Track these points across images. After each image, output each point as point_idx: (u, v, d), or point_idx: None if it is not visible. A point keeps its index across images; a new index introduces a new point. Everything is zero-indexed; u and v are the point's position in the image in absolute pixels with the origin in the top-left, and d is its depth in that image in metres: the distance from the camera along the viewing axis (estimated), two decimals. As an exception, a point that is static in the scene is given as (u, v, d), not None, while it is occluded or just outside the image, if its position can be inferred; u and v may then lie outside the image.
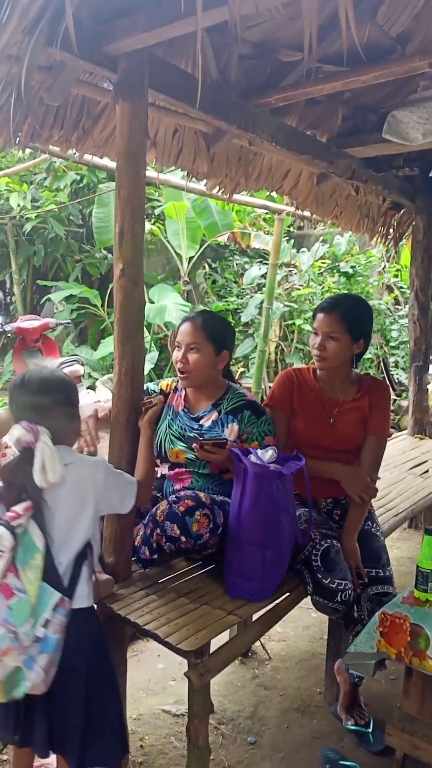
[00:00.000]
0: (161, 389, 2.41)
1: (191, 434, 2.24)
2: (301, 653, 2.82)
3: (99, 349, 7.22)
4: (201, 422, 2.27)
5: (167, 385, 2.43)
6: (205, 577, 2.12)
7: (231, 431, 2.22)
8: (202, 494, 2.06)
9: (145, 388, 2.35)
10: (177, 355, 2.25)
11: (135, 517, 2.07)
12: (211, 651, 1.83)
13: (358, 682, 2.31)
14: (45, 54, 1.64)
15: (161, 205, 7.35)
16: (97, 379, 6.77)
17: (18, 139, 2.20)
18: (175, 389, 2.39)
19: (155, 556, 2.08)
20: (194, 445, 2.14)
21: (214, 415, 2.27)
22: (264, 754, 2.19)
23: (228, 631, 2.01)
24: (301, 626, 3.03)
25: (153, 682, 2.56)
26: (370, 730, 2.25)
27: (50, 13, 1.49)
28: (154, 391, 2.40)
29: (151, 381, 2.26)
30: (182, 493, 2.09)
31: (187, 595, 1.98)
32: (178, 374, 2.27)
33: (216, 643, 1.85)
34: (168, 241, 7.55)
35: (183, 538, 1.98)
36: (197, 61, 1.66)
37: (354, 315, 2.31)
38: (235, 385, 2.37)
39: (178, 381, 2.38)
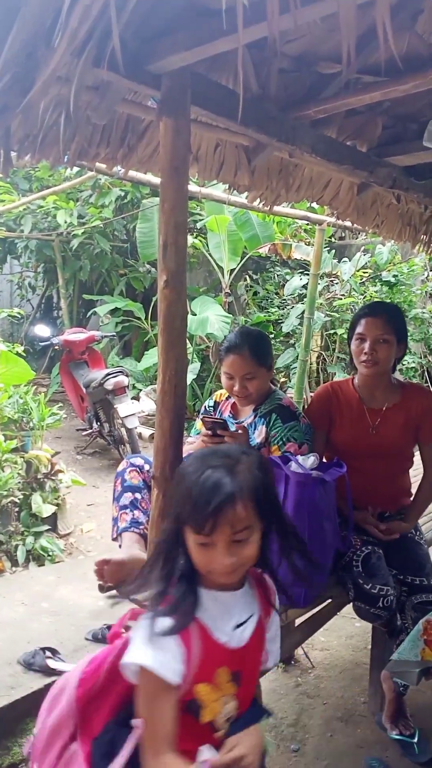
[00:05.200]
0: (215, 401, 2.53)
1: None
2: (344, 662, 2.81)
3: (143, 361, 7.33)
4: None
5: (220, 395, 2.55)
6: (248, 582, 2.13)
7: (260, 434, 2.28)
8: None
9: (203, 408, 2.52)
10: (232, 384, 2.30)
11: None
12: (253, 655, 1.85)
13: (403, 692, 2.29)
14: (92, 74, 1.70)
15: (203, 219, 7.44)
16: (140, 390, 6.88)
17: (67, 157, 2.29)
18: (228, 397, 2.50)
19: None
20: (202, 437, 2.19)
21: (251, 418, 2.35)
22: (307, 762, 2.19)
23: (270, 636, 2.02)
24: (345, 636, 3.01)
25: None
26: (415, 741, 2.22)
27: (98, 34, 1.55)
28: (211, 407, 2.51)
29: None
30: None
31: (229, 599, 2.00)
32: (237, 397, 2.35)
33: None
34: (210, 254, 7.63)
35: None
36: (238, 76, 1.71)
37: (398, 318, 2.34)
38: (279, 391, 2.42)
39: None
